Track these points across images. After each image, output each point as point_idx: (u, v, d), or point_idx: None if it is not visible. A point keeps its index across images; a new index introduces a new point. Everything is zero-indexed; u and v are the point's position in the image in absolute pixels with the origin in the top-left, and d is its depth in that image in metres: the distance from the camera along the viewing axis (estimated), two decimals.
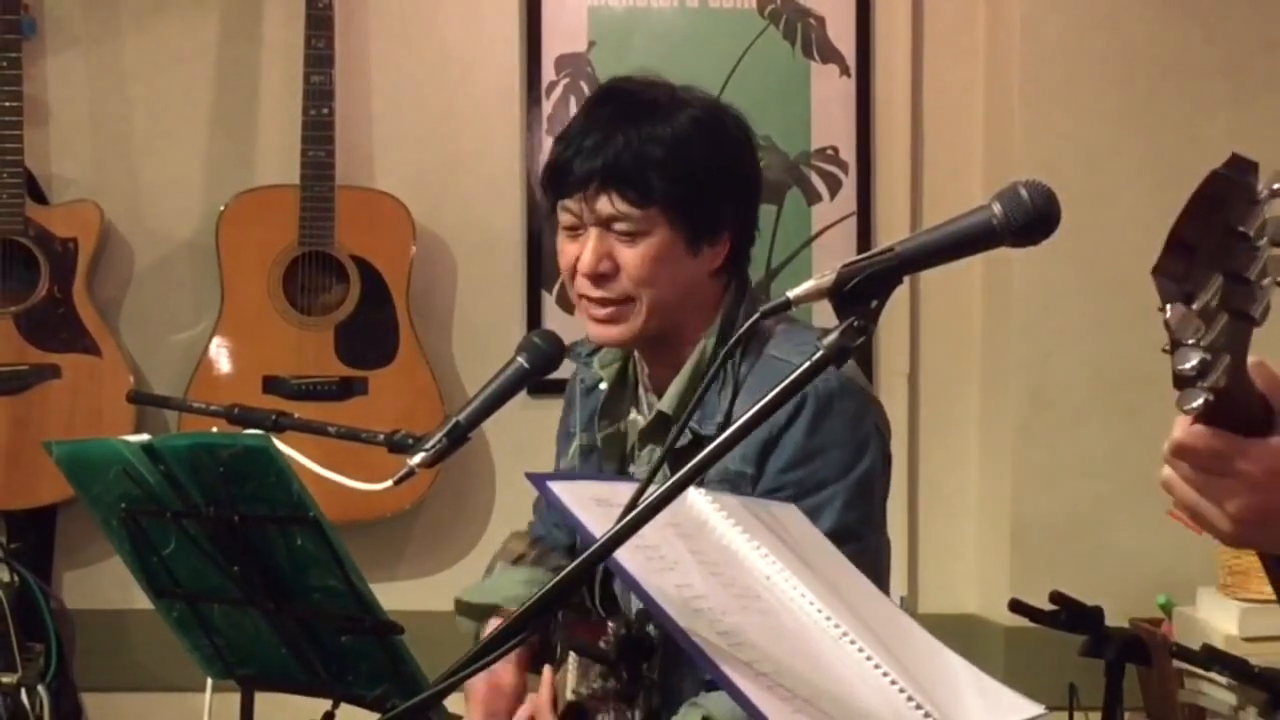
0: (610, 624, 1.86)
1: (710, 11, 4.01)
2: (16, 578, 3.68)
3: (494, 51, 4.01)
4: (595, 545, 1.45)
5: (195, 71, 3.99)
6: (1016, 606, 3.09)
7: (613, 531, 1.43)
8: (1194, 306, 1.14)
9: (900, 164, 4.04)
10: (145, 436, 2.08)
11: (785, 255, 4.00)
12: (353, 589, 2.00)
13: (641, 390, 2.35)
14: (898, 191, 4.04)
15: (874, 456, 2.19)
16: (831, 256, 3.90)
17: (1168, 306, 1.15)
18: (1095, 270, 3.87)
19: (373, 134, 4.00)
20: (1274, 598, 3.50)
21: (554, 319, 3.95)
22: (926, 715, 1.60)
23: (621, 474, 2.34)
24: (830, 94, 4.02)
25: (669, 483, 1.44)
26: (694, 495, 1.82)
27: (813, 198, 4.01)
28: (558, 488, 1.73)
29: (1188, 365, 1.14)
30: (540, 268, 4.00)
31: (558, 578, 1.45)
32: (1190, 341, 1.14)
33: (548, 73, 4.00)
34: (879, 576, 2.17)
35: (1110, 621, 3.01)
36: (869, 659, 1.64)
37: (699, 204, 2.19)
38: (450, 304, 4.03)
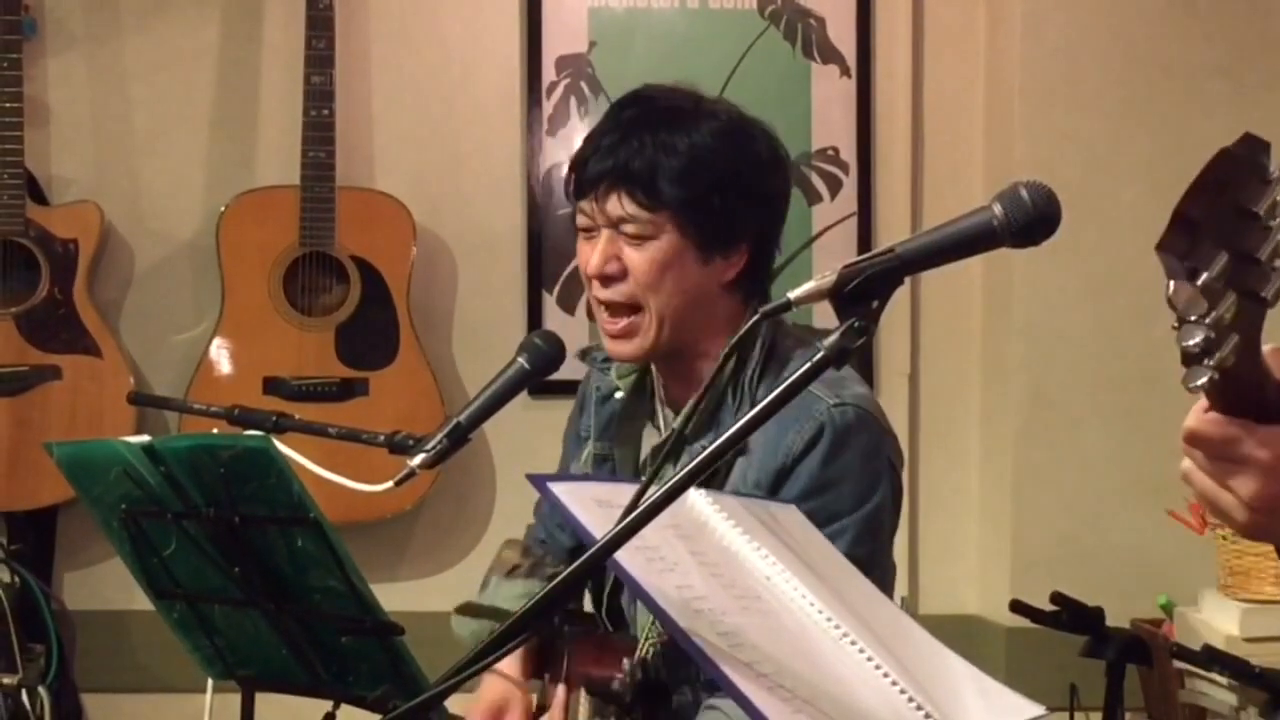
0: (625, 661, 1.85)
1: (710, 12, 4.02)
2: (17, 579, 3.68)
3: (494, 52, 4.02)
4: (596, 546, 1.44)
5: (196, 72, 3.99)
6: (1017, 607, 3.09)
7: (613, 533, 1.43)
8: (1198, 283, 1.12)
9: (901, 164, 4.04)
10: (146, 437, 2.08)
11: (786, 256, 3.99)
12: (353, 590, 1.99)
13: (658, 404, 2.34)
14: (898, 192, 4.04)
15: (885, 491, 2.19)
16: (832, 257, 3.90)
17: (1171, 283, 1.13)
18: (1096, 270, 3.87)
19: (373, 135, 4.00)
20: (1275, 598, 3.50)
21: (554, 320, 3.96)
22: (927, 716, 1.60)
23: None
24: (831, 94, 4.02)
25: (669, 483, 1.44)
26: (694, 496, 1.82)
27: (813, 198, 4.01)
28: (559, 489, 1.73)
29: (1192, 342, 1.12)
30: (541, 268, 4.00)
31: (558, 578, 1.45)
32: (1194, 318, 1.12)
33: (548, 73, 4.00)
34: None
35: (1111, 622, 3.00)
36: (869, 660, 1.64)
37: (711, 213, 2.18)
38: (451, 305, 4.03)
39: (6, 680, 3.48)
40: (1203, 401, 1.22)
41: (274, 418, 2.38)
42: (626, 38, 4.01)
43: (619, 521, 1.43)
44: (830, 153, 4.03)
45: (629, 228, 2.19)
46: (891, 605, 1.86)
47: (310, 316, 3.85)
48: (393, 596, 2.33)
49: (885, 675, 1.63)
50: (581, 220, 2.24)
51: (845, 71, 4.03)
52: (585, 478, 2.33)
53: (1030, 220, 1.46)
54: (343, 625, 2.04)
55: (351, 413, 3.76)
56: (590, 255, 2.22)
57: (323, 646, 2.11)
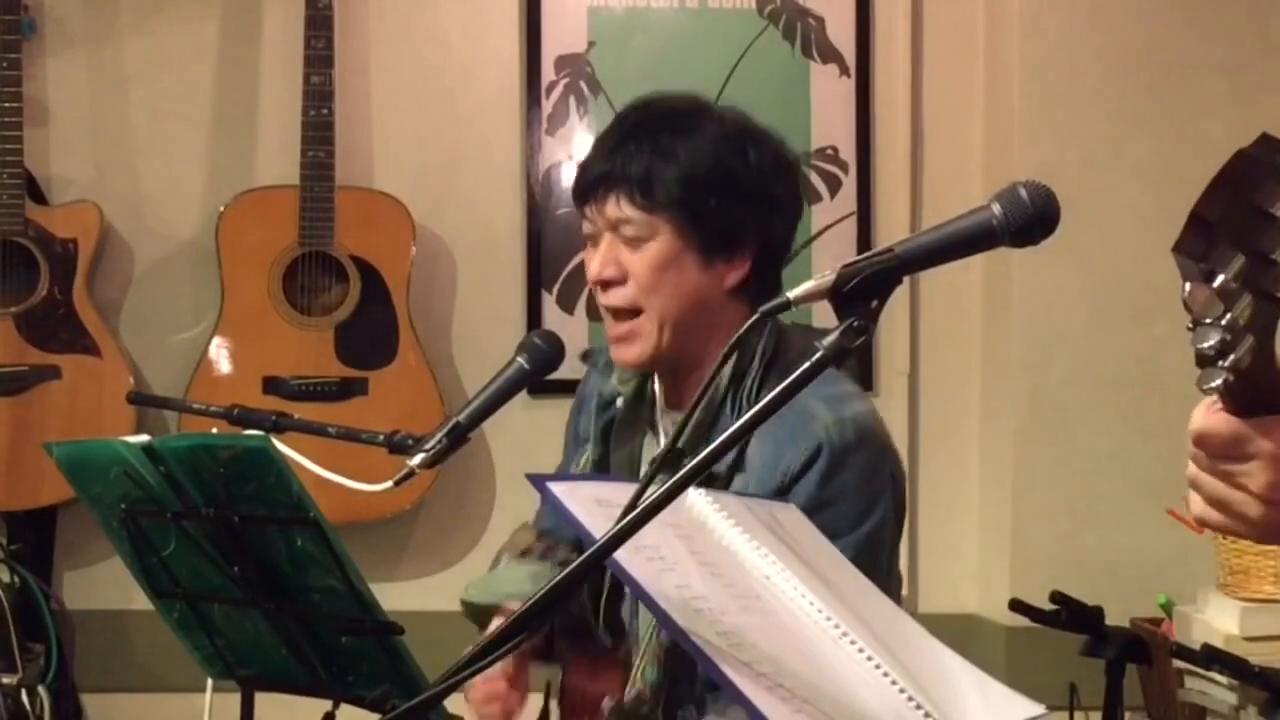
0: (607, 701, 1.84)
1: (710, 12, 4.02)
2: (17, 578, 3.68)
3: (494, 52, 4.02)
4: (595, 546, 1.44)
5: (195, 72, 3.99)
6: (1017, 606, 3.09)
7: (612, 532, 1.43)
8: (1214, 285, 1.11)
9: (900, 164, 4.04)
10: (145, 437, 2.08)
11: None
12: (353, 589, 1.99)
13: (659, 412, 2.33)
14: (897, 191, 4.04)
15: (885, 510, 2.17)
16: (831, 256, 3.90)
17: (1187, 284, 1.12)
18: (1095, 270, 3.87)
19: (372, 134, 4.00)
20: (1274, 597, 3.49)
21: (554, 319, 3.96)
22: (926, 715, 1.60)
23: None
24: (830, 94, 4.02)
25: (668, 483, 1.44)
26: (694, 496, 1.82)
27: (812, 198, 4.01)
28: (558, 489, 1.73)
29: (1207, 344, 1.12)
30: (540, 268, 4.00)
31: (555, 579, 1.44)
32: (1210, 320, 1.12)
33: (547, 73, 4.00)
34: None
35: (1110, 621, 3.00)
36: (869, 659, 1.64)
37: (710, 216, 2.18)
38: (450, 304, 4.03)
39: (6, 680, 3.49)
40: (1208, 402, 1.21)
41: (273, 417, 2.38)
42: (626, 37, 4.01)
43: (618, 521, 1.43)
44: (829, 152, 4.03)
45: (627, 230, 2.19)
46: (891, 604, 1.86)
47: (309, 316, 3.85)
48: (392, 596, 2.33)
49: (885, 675, 1.63)
50: (585, 227, 2.25)
51: (844, 71, 4.03)
52: (585, 477, 2.33)
53: (1029, 220, 1.46)
54: (342, 625, 2.04)
55: (351, 412, 3.76)
56: (593, 260, 2.23)
57: (322, 646, 2.12)
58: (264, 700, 2.28)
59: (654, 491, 1.44)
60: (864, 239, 4.02)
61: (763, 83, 3.99)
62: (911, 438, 4.03)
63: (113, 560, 2.48)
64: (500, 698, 2.23)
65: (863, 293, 1.47)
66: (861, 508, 2.15)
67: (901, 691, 1.61)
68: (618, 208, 2.18)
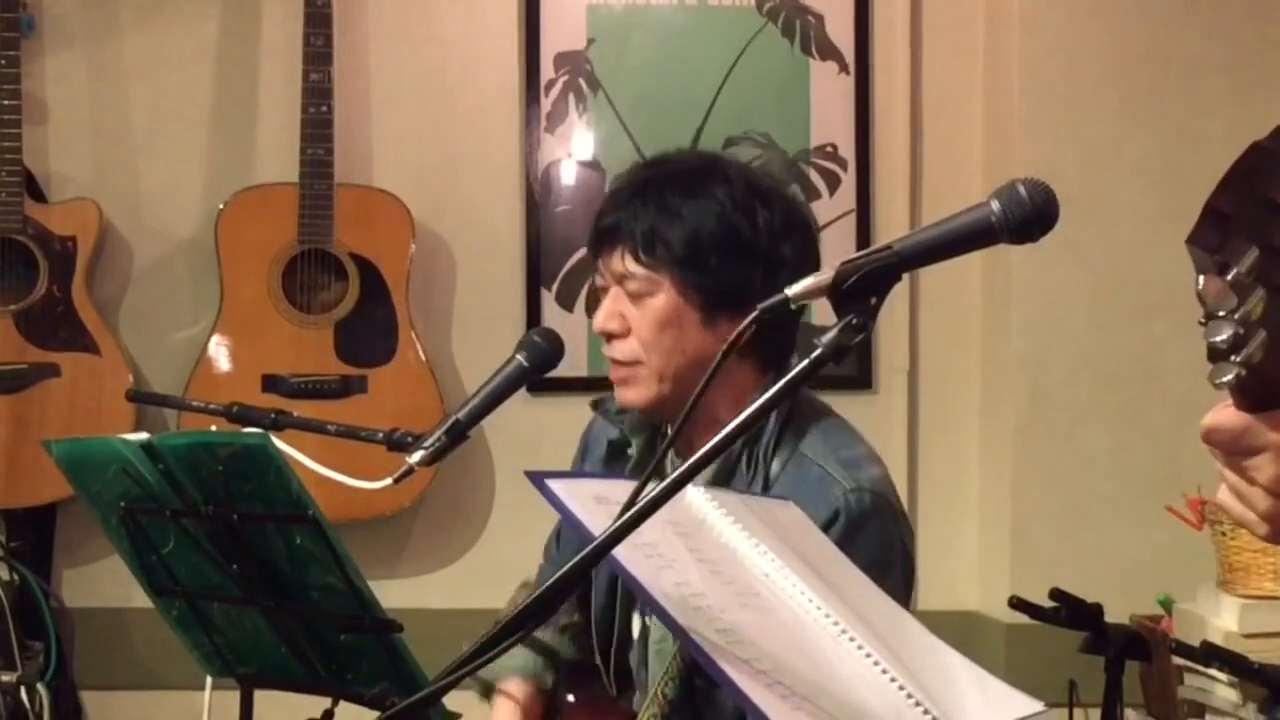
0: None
1: (709, 9, 4.01)
2: (16, 576, 3.68)
3: (493, 49, 4.01)
4: (594, 543, 1.44)
5: (194, 70, 3.99)
6: (1017, 603, 3.09)
7: (611, 530, 1.43)
8: (1228, 278, 1.10)
9: (899, 161, 4.04)
10: (144, 435, 2.08)
11: None
12: (352, 587, 2.00)
13: (669, 465, 2.33)
14: (897, 189, 4.04)
15: (896, 580, 2.18)
16: (830, 254, 3.86)
17: (1201, 277, 1.11)
18: (1094, 267, 3.87)
19: (372, 132, 4.00)
20: (1273, 594, 3.49)
21: (553, 317, 3.96)
22: (926, 712, 1.60)
23: None
24: (829, 91, 4.02)
25: (667, 480, 1.44)
26: (693, 493, 1.82)
27: (811, 195, 4.00)
28: (557, 486, 1.72)
29: (1220, 338, 1.11)
30: (540, 265, 4.00)
31: (556, 575, 1.44)
32: (1223, 313, 1.11)
33: (547, 70, 4.00)
34: None
35: (1110, 618, 3.00)
36: (868, 656, 1.64)
37: (712, 275, 2.19)
38: (449, 302, 4.03)
39: (5, 678, 3.49)
40: (1225, 400, 1.20)
41: (273, 415, 2.38)
42: (625, 35, 4.01)
43: (617, 519, 1.43)
44: (829, 149, 4.03)
45: (630, 285, 2.21)
46: (891, 602, 1.86)
47: (309, 314, 3.85)
48: (391, 594, 2.34)
49: (884, 672, 1.63)
50: (597, 280, 2.29)
51: (844, 68, 4.02)
52: (584, 475, 2.33)
53: (1028, 217, 1.46)
54: (341, 623, 2.04)
55: (350, 410, 3.76)
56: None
57: (321, 644, 2.12)
58: (263, 698, 2.28)
59: (653, 489, 1.43)
60: (863, 236, 4.02)
61: (762, 80, 3.99)
62: (911, 435, 4.02)
63: (112, 558, 2.48)
64: None
65: (862, 290, 1.47)
66: (875, 576, 2.15)
67: (901, 689, 1.61)
68: (622, 263, 2.21)
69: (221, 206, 3.87)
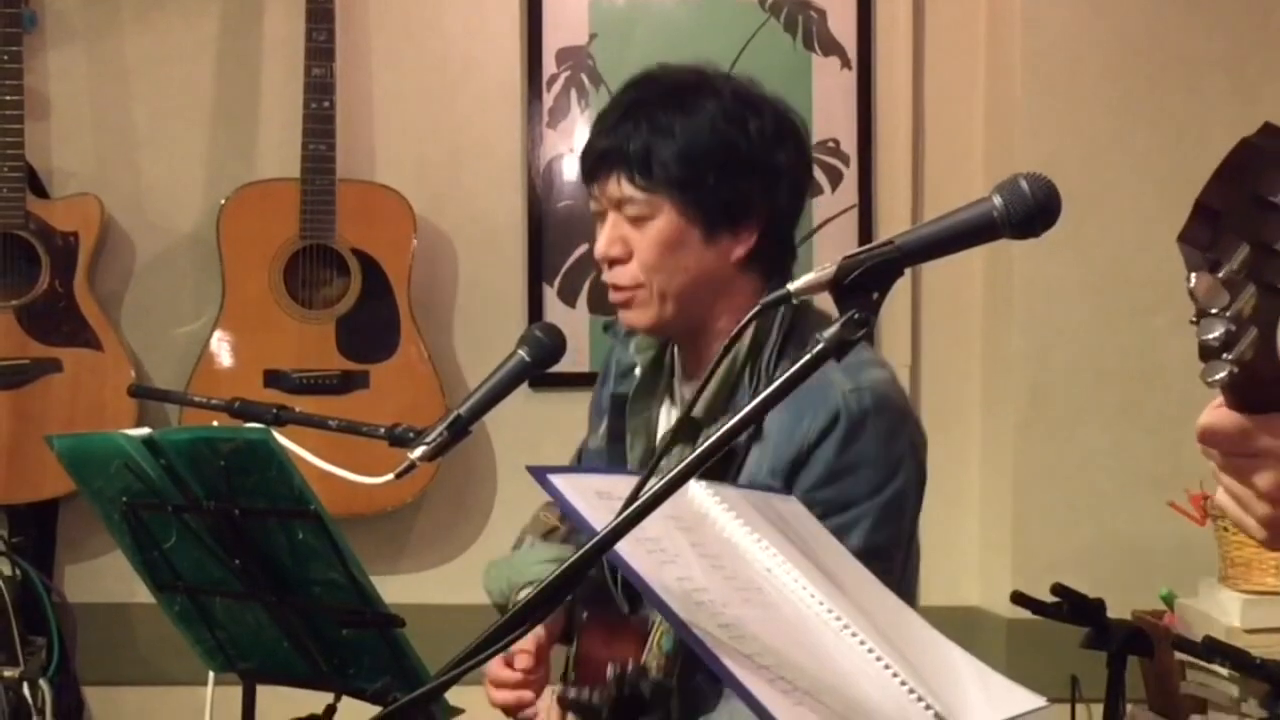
0: (611, 668, 1.84)
1: (711, 4, 4.01)
2: (18, 571, 3.69)
3: (495, 44, 4.01)
4: (596, 538, 1.44)
5: (196, 65, 3.99)
6: (1018, 599, 3.09)
7: (613, 525, 1.43)
8: (1220, 275, 1.10)
9: (901, 157, 4.04)
10: (146, 430, 2.09)
11: None
12: (354, 582, 2.00)
13: (677, 381, 2.34)
14: (899, 184, 4.04)
15: (906, 475, 2.18)
16: (832, 249, 3.90)
17: (1192, 275, 1.11)
18: (1096, 263, 3.86)
19: (373, 127, 4.00)
20: (1275, 589, 3.49)
21: (555, 312, 3.96)
22: (928, 707, 1.60)
23: (648, 461, 2.32)
24: (831, 87, 4.02)
25: (669, 475, 1.44)
26: (695, 488, 1.82)
27: (813, 190, 4.00)
28: (559, 481, 1.73)
29: (1212, 335, 1.10)
30: (541, 261, 4.00)
31: (555, 572, 1.44)
32: (1215, 311, 1.10)
33: (549, 65, 4.00)
34: (907, 593, 2.16)
35: (1112, 613, 3.01)
36: (870, 651, 1.64)
37: (710, 191, 2.18)
38: (451, 297, 4.03)
39: (8, 673, 3.49)
40: (1218, 399, 1.20)
41: (274, 410, 2.39)
42: (627, 30, 4.01)
43: (619, 513, 1.43)
44: (831, 145, 4.03)
45: (629, 209, 2.20)
46: (893, 597, 1.86)
47: (311, 309, 3.85)
48: (393, 589, 2.34)
49: (886, 667, 1.63)
50: (592, 205, 2.27)
51: (846, 64, 4.02)
52: (586, 469, 2.33)
53: (1030, 212, 1.46)
54: (343, 618, 2.04)
55: (352, 405, 3.76)
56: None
57: (323, 639, 2.12)
58: (265, 693, 2.29)
59: (655, 483, 1.43)
60: (865, 232, 4.02)
61: (764, 75, 3.89)
62: None
63: (114, 553, 2.49)
64: (516, 694, 2.25)
65: (863, 285, 1.47)
66: (881, 474, 2.16)
67: (903, 684, 1.61)
68: (619, 187, 2.19)
69: (223, 202, 3.87)
